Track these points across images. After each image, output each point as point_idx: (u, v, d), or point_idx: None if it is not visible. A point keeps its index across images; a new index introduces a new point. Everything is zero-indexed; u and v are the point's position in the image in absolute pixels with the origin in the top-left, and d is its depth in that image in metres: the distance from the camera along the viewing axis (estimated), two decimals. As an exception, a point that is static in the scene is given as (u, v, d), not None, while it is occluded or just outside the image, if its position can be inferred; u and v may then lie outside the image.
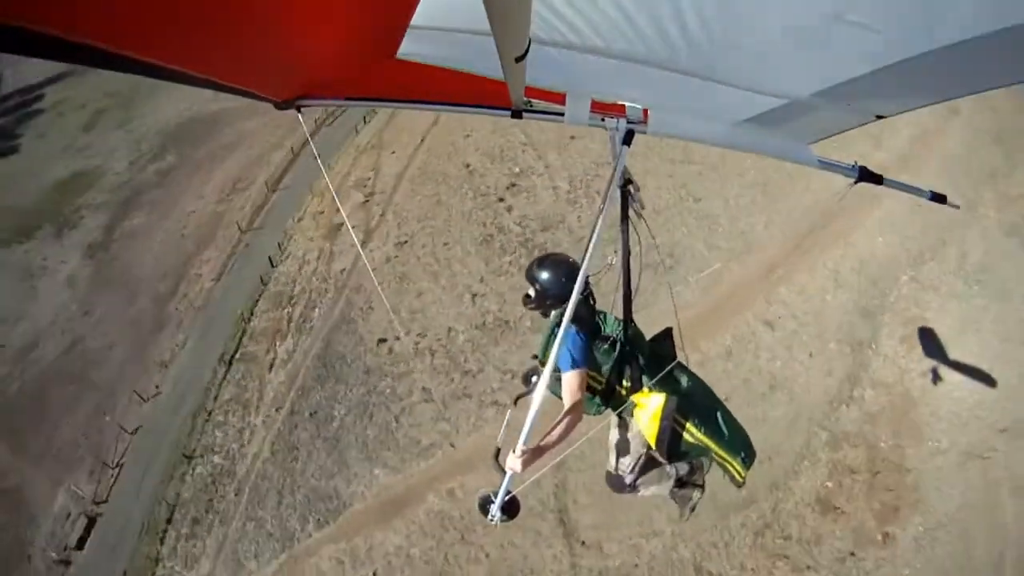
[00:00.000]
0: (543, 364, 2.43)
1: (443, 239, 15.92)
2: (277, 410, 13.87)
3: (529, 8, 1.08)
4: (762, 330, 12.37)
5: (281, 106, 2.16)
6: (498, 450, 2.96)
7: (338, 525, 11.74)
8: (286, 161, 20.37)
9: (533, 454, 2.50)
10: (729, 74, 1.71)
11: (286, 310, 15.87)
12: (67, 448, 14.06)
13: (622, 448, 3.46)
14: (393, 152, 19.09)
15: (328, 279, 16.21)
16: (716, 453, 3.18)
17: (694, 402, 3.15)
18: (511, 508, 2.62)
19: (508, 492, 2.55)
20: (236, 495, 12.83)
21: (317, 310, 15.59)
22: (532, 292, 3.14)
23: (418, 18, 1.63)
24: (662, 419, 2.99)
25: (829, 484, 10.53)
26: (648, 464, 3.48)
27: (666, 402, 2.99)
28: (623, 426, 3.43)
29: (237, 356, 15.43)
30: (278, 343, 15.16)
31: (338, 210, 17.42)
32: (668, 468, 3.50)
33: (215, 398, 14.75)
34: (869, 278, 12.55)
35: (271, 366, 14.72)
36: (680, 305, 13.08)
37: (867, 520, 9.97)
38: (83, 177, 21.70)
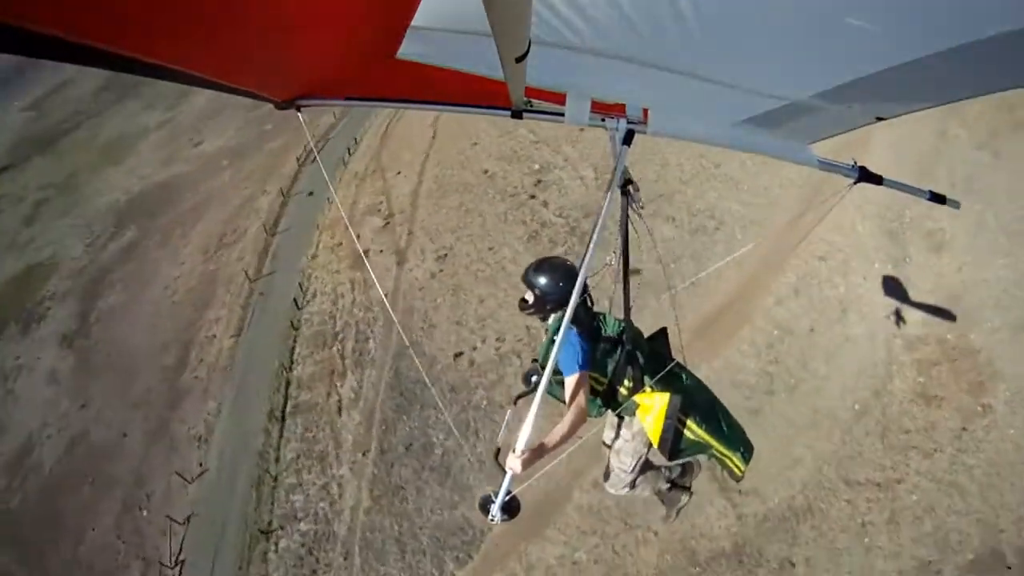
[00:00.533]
0: (543, 367, 2.47)
1: (486, 244, 15.63)
2: (364, 454, 12.55)
3: (529, 8, 1.06)
4: (817, 264, 13.61)
5: (281, 106, 2.16)
6: (498, 450, 3.02)
7: (482, 555, 10.73)
8: (278, 203, 18.92)
9: (533, 454, 2.51)
10: (729, 75, 1.72)
11: (334, 348, 14.56)
12: (102, 556, 11.65)
13: (622, 448, 3.45)
14: (399, 173, 18.52)
15: (371, 307, 15.17)
16: (716, 449, 3.20)
17: (694, 400, 3.18)
18: (511, 508, 2.62)
19: (508, 492, 2.54)
20: (345, 559, 11.32)
21: (371, 341, 14.48)
22: (530, 297, 3.08)
23: (418, 19, 1.62)
24: (666, 418, 3.03)
25: (921, 379, 11.70)
26: (647, 464, 3.57)
27: (670, 401, 3.03)
28: (622, 426, 3.44)
29: (289, 409, 13.80)
30: (338, 383, 13.81)
31: (358, 237, 16.47)
32: (663, 469, 3.60)
33: (276, 460, 13.03)
34: (883, 205, 14.36)
35: (339, 409, 13.35)
36: (737, 261, 13.94)
37: (963, 399, 11.19)
38: (38, 269, 19.29)
